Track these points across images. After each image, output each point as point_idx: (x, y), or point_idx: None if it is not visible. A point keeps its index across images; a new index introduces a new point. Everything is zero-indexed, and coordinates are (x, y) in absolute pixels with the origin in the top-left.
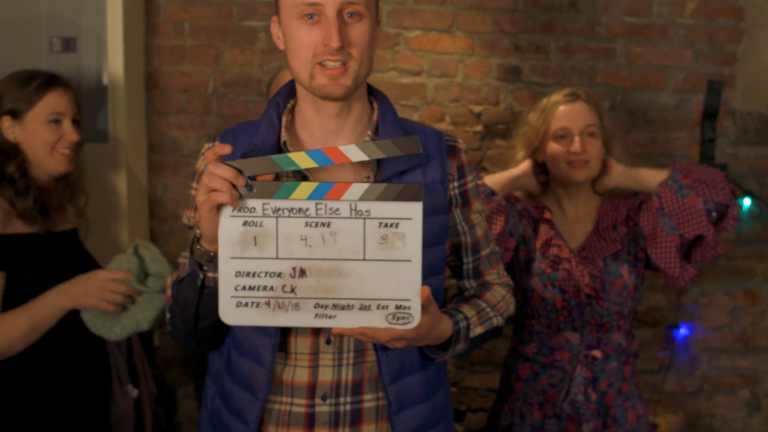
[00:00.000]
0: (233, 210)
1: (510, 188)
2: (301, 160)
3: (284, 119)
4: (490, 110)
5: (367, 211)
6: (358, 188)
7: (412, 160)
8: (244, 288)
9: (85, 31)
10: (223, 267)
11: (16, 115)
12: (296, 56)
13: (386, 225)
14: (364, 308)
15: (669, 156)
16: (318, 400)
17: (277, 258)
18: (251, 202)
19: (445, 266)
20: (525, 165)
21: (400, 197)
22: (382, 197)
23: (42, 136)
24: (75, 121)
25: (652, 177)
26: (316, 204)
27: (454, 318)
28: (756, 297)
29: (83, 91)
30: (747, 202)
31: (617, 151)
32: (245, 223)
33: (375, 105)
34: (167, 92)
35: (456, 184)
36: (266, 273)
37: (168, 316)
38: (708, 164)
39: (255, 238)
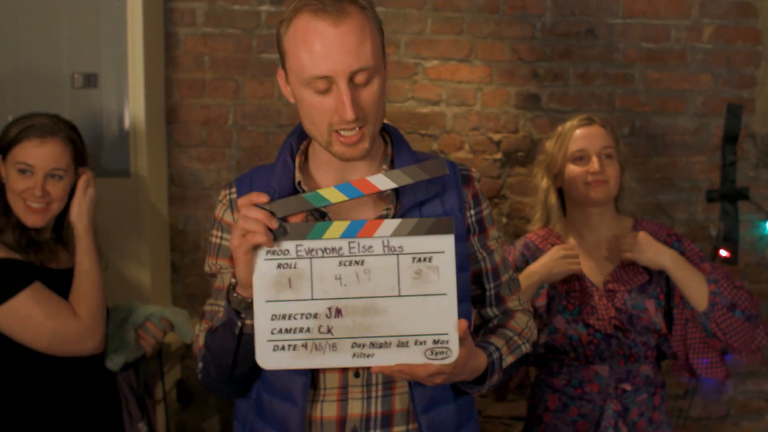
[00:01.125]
0: (267, 253)
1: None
2: (332, 195)
3: (297, 160)
4: (509, 138)
5: (400, 246)
6: (390, 224)
7: (430, 191)
8: (280, 331)
9: (106, 66)
10: (258, 311)
11: (3, 156)
12: (311, 121)
13: (420, 260)
14: (402, 345)
15: (690, 180)
16: None
17: (312, 299)
18: (285, 244)
19: (468, 294)
20: (545, 269)
21: (431, 231)
22: (414, 232)
23: (12, 182)
24: (58, 176)
25: (691, 290)
26: (349, 242)
27: (487, 350)
28: None
29: (104, 125)
30: None
31: (627, 179)
32: (279, 266)
33: (388, 139)
34: (188, 125)
35: (472, 212)
36: (302, 315)
37: (200, 365)
38: (730, 188)
39: (290, 279)
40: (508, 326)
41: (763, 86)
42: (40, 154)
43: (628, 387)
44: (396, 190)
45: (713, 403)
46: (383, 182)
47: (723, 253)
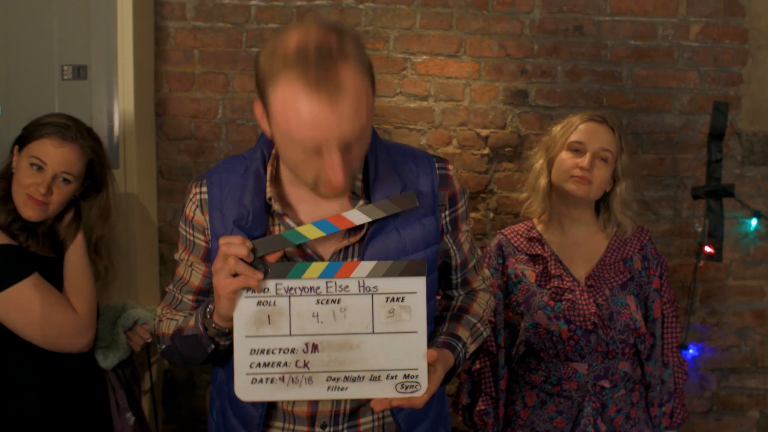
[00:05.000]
0: (248, 291)
1: None
2: (310, 232)
3: (269, 169)
4: (497, 134)
5: (375, 287)
6: (366, 266)
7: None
8: (259, 365)
9: (96, 58)
10: (238, 345)
11: (21, 146)
12: (294, 168)
13: (393, 299)
14: (374, 379)
15: (676, 177)
16: (318, 429)
17: (290, 335)
18: (265, 283)
19: (437, 288)
20: None
21: (404, 273)
22: (388, 273)
23: (21, 174)
24: (66, 180)
25: None
26: (327, 282)
27: (456, 350)
28: (764, 317)
29: (93, 117)
30: (754, 222)
31: (623, 189)
32: (259, 303)
33: None
34: (177, 118)
35: (447, 212)
36: (280, 349)
37: (162, 347)
38: (715, 186)
39: (269, 316)
40: (471, 311)
41: (749, 84)
42: (55, 155)
43: (606, 384)
44: (367, 190)
45: (696, 398)
46: (358, 218)
47: (708, 249)
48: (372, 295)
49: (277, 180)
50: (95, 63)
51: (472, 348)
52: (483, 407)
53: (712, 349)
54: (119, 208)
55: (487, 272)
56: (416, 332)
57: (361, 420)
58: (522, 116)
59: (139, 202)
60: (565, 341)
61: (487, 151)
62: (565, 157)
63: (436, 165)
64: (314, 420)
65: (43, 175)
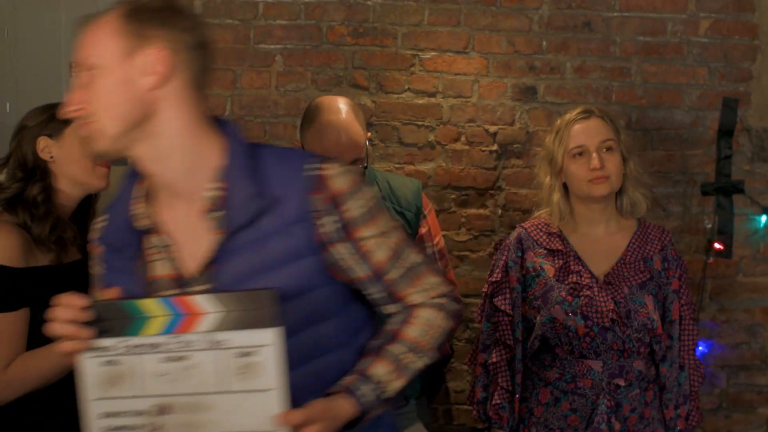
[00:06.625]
0: (88, 351)
1: None
2: (150, 308)
3: (144, 185)
4: (505, 130)
5: (223, 341)
6: (210, 319)
7: (260, 206)
8: (111, 429)
9: None
10: (86, 410)
11: (53, 134)
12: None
13: (244, 354)
14: None
15: (686, 173)
16: None
17: (138, 396)
18: (106, 341)
19: (342, 303)
20: None
21: (256, 324)
22: (235, 326)
23: (77, 152)
24: None
25: None
26: (170, 338)
27: (356, 395)
28: None
29: None
30: (764, 219)
31: (632, 167)
32: (102, 363)
33: (223, 146)
34: None
35: (331, 218)
36: (130, 412)
37: None
38: (725, 182)
39: (115, 377)
40: (399, 337)
41: (759, 80)
42: None
43: (621, 382)
44: (223, 212)
45: (706, 395)
46: (206, 305)
47: (717, 246)
48: (220, 350)
49: (150, 195)
50: None
51: (397, 385)
52: (499, 401)
53: (722, 346)
54: None
55: (437, 279)
56: (272, 389)
57: None
58: (531, 112)
59: None
60: (581, 337)
61: (495, 147)
62: (574, 168)
63: (307, 166)
64: None
65: None
